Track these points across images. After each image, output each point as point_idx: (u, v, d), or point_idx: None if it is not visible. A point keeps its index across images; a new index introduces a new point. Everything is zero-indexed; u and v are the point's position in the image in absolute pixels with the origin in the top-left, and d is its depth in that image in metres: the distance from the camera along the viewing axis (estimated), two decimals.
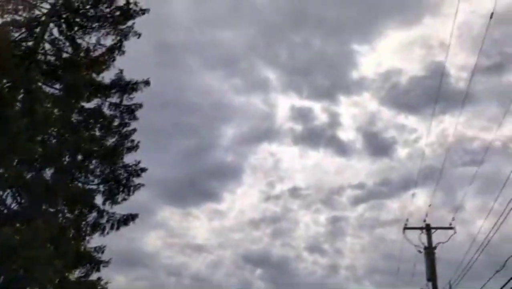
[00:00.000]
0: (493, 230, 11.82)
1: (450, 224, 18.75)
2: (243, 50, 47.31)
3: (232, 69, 48.69)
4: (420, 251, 19.19)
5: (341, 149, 48.99)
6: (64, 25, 15.95)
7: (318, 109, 54.16)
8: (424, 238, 19.62)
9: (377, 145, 47.29)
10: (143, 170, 15.03)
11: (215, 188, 45.52)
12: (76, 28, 16.11)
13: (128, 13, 16.21)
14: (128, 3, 16.11)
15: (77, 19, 16.10)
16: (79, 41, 16.06)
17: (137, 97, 16.08)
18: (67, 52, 15.94)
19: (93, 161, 14.81)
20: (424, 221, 19.21)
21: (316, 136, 48.66)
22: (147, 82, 15.82)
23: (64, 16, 16.00)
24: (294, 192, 45.58)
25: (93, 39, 16.12)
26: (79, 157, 14.74)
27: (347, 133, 53.45)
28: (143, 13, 16.35)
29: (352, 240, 44.54)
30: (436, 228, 19.15)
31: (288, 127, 48.39)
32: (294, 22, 47.25)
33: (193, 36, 41.55)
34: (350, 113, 53.84)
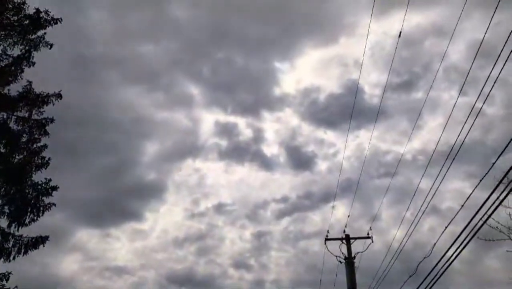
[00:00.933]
0: (405, 237, 12.39)
1: (368, 234, 19.48)
2: (165, 65, 46.84)
3: (154, 84, 47.85)
4: (340, 262, 19.70)
5: (266, 163, 49.85)
6: None
7: (243, 125, 54.90)
8: (344, 248, 20.15)
9: (299, 159, 48.67)
10: (54, 188, 14.01)
11: (137, 207, 44.08)
12: None
13: (38, 22, 15.29)
14: (38, 11, 15.21)
15: None
16: None
17: (48, 111, 15.08)
18: None
19: None
20: (344, 231, 19.81)
21: (241, 151, 49.09)
22: (58, 95, 14.89)
23: None
24: (220, 208, 45.42)
25: None
26: None
27: (270, 148, 54.57)
28: (56, 23, 15.50)
29: (277, 253, 45.06)
30: (355, 238, 19.80)
31: (213, 143, 48.43)
32: (216, 39, 47.66)
33: (112, 49, 40.33)
34: (273, 128, 55.12)
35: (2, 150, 14.30)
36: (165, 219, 45.93)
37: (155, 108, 45.99)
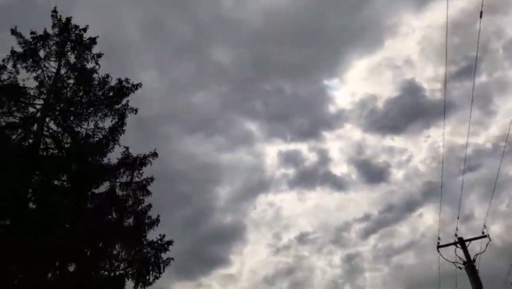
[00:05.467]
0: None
1: (483, 232, 18.43)
2: (218, 109, 47.98)
3: (212, 129, 48.87)
4: (460, 268, 18.67)
5: (337, 183, 49.07)
6: (59, 117, 15.80)
7: (305, 150, 54.80)
8: (459, 252, 19.20)
9: (371, 172, 47.62)
10: (170, 243, 14.35)
11: (221, 252, 44.24)
12: (72, 118, 15.98)
13: (121, 91, 16.25)
14: (120, 81, 16.19)
15: (72, 108, 16.02)
16: (77, 129, 15.89)
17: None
18: (67, 142, 15.68)
19: (116, 246, 14.15)
20: (456, 235, 18.86)
21: (310, 176, 48.68)
22: (154, 154, 15.50)
23: (58, 108, 15.91)
24: (302, 238, 44.74)
25: (91, 124, 16.01)
26: (100, 245, 14.10)
27: (339, 168, 53.84)
28: (136, 88, 16.42)
29: (371, 274, 43.50)
30: (470, 240, 18.80)
31: (281, 174, 48.42)
32: (261, 73, 48.57)
33: (167, 104, 41.75)
34: (337, 147, 54.58)
35: (114, 216, 14.95)
36: (251, 259, 45.75)
37: (218, 152, 46.94)
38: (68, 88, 16.16)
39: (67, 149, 15.41)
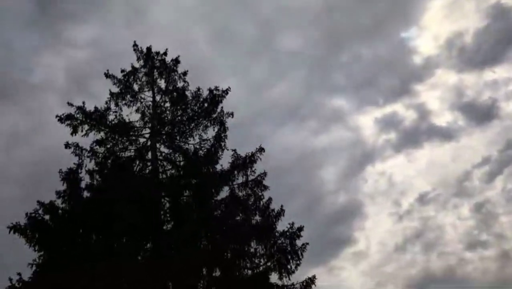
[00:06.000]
0: None
1: None
2: (303, 95, 47.22)
3: (301, 116, 48.14)
4: None
5: (445, 134, 45.85)
6: (168, 140, 16.75)
7: (402, 109, 51.85)
8: None
9: (479, 112, 43.89)
10: (301, 229, 14.46)
11: (344, 232, 43.39)
12: (178, 137, 16.86)
13: (214, 100, 16.79)
14: (211, 91, 16.75)
15: (176, 129, 16.90)
16: (185, 146, 16.72)
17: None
18: (180, 161, 16.56)
19: (251, 244, 14.61)
20: None
21: (414, 135, 46.15)
22: (261, 149, 15.79)
23: (163, 132, 16.88)
24: (423, 199, 42.45)
25: (196, 139, 16.77)
26: (237, 247, 14.65)
27: (443, 118, 50.27)
28: (227, 93, 16.84)
29: (508, 218, 39.94)
30: None
31: (383, 140, 46.50)
32: (334, 46, 47.06)
33: (251, 105, 41.91)
34: (434, 96, 51.13)
35: (240, 218, 15.47)
36: (376, 231, 44.41)
37: (314, 137, 46.04)
38: (167, 112, 17.08)
39: (182, 166, 16.28)
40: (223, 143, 16.20)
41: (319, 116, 47.69)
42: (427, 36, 53.09)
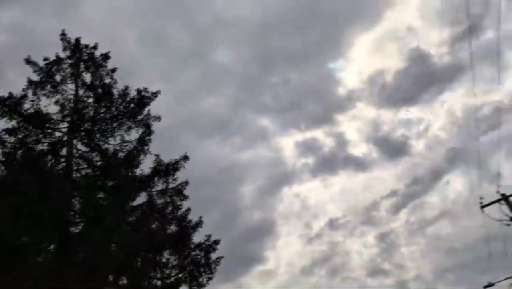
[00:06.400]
0: None
1: None
2: (229, 110, 47.74)
3: (227, 131, 48.62)
4: (508, 224, 18.39)
5: (359, 164, 48.52)
6: (86, 137, 15.84)
7: (322, 136, 54.27)
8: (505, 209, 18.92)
9: (392, 147, 46.96)
10: (217, 242, 14.28)
11: (255, 250, 43.90)
12: (98, 136, 16.01)
13: (142, 102, 16.22)
14: (139, 92, 16.17)
15: (96, 127, 16.05)
16: (105, 146, 15.91)
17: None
18: (97, 161, 15.72)
19: (164, 254, 14.15)
20: (498, 192, 18.52)
21: (331, 162, 48.24)
22: (186, 158, 15.44)
23: (83, 128, 15.96)
24: (333, 224, 44.34)
25: (117, 139, 16.02)
26: (149, 256, 14.11)
27: (358, 148, 53.17)
28: (156, 96, 16.36)
29: (408, 249, 42.91)
30: None
31: (301, 164, 48.08)
32: (265, 66, 48.18)
33: (178, 112, 41.60)
34: (353, 128, 54.08)
35: (155, 225, 14.94)
36: (285, 252, 45.52)
37: (236, 153, 46.67)
38: (89, 108, 16.18)
39: (99, 166, 15.45)
40: (146, 147, 15.64)
41: (244, 133, 48.20)
42: (352, 70, 56.17)
